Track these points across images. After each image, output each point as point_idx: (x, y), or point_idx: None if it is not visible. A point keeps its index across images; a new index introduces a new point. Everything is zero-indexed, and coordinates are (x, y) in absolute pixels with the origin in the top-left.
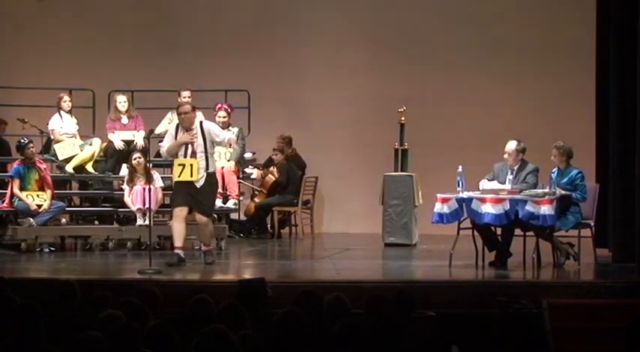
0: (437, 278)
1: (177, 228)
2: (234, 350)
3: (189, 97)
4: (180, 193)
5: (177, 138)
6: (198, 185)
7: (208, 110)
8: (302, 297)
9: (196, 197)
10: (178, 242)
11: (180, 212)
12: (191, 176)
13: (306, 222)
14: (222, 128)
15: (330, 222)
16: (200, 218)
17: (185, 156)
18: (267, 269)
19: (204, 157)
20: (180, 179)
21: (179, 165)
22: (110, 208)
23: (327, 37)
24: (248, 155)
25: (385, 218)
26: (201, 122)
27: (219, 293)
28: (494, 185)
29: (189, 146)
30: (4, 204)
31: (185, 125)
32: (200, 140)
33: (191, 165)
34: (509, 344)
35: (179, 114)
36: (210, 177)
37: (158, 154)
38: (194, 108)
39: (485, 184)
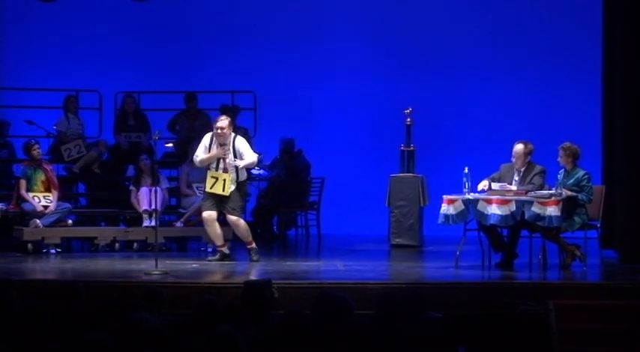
0: (443, 279)
1: (211, 230)
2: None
3: (226, 119)
4: (209, 198)
5: (211, 150)
6: (226, 193)
7: (215, 112)
8: (319, 298)
9: (224, 200)
10: (218, 242)
11: (209, 216)
12: (223, 190)
13: (313, 223)
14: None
15: (336, 223)
16: (229, 218)
17: (217, 169)
18: (273, 271)
19: (235, 171)
20: (212, 191)
21: (212, 177)
22: (116, 209)
23: (334, 38)
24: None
25: (391, 219)
26: (235, 138)
27: (225, 295)
28: (501, 186)
29: (222, 160)
30: (11, 206)
31: (220, 140)
32: (231, 156)
33: (224, 180)
34: (515, 345)
35: (216, 129)
36: (240, 185)
37: (164, 155)
38: (231, 125)
39: (485, 185)
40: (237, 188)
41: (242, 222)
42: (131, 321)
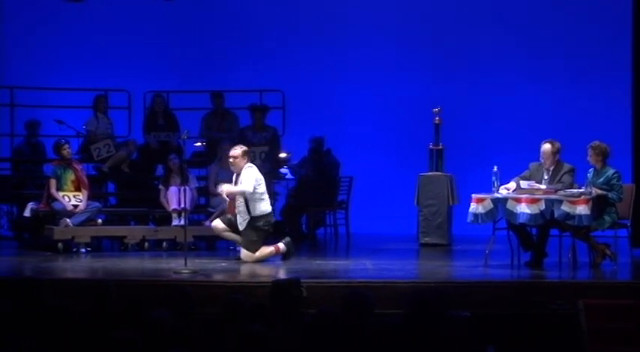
0: (472, 278)
1: (225, 237)
2: (271, 351)
3: (240, 148)
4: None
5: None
6: (240, 227)
7: (244, 111)
8: (349, 297)
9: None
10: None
11: (215, 227)
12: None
13: (341, 222)
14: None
15: (365, 222)
16: (242, 252)
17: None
18: (302, 270)
19: (242, 202)
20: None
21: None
22: (146, 209)
23: (362, 37)
24: (282, 155)
25: (420, 218)
26: (246, 168)
27: (253, 294)
28: (530, 185)
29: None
30: (42, 205)
31: (233, 169)
32: (238, 183)
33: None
34: (545, 344)
35: (229, 158)
36: (254, 221)
37: (193, 155)
38: (244, 154)
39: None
40: (250, 224)
41: (257, 256)
42: (150, 320)
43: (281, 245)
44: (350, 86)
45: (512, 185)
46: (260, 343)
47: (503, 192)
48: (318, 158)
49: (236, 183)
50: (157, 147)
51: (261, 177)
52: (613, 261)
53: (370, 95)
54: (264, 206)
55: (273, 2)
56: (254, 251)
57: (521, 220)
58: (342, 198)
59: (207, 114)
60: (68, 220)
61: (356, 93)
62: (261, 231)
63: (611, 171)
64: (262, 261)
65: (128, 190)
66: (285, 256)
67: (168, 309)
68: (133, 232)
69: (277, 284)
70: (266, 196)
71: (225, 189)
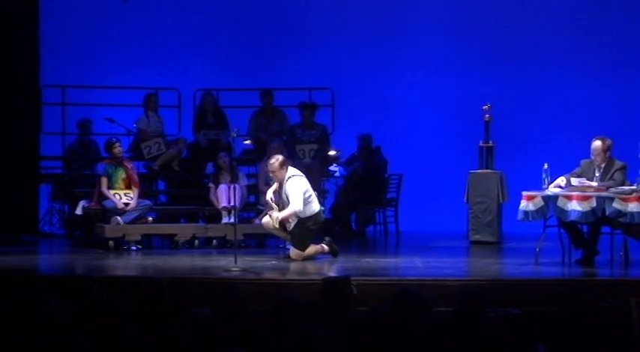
0: (523, 276)
1: (276, 234)
2: (323, 349)
3: (276, 160)
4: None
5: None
6: (289, 227)
7: (293, 109)
8: (400, 295)
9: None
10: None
11: (267, 224)
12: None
13: (391, 220)
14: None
15: (414, 219)
16: (291, 250)
17: (277, 204)
18: (352, 267)
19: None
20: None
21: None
22: (196, 206)
23: (411, 34)
24: (332, 153)
25: (470, 216)
26: (288, 178)
27: (304, 291)
28: (580, 182)
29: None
30: (93, 203)
31: (275, 180)
32: (284, 196)
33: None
34: (596, 343)
35: (269, 172)
36: (304, 221)
37: (243, 153)
38: (283, 164)
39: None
40: (299, 223)
41: (305, 254)
42: (200, 317)
43: (324, 245)
44: (399, 83)
45: (561, 180)
46: (314, 341)
47: (555, 190)
48: (368, 156)
49: (280, 188)
50: (206, 146)
51: (305, 183)
52: None
53: (420, 92)
54: (313, 206)
55: (323, 0)
56: (303, 249)
57: (573, 218)
58: (391, 196)
59: (256, 112)
60: (119, 218)
61: (405, 90)
62: (310, 230)
63: None
64: (310, 258)
65: (178, 188)
66: (333, 254)
67: (218, 307)
68: (183, 230)
69: (328, 281)
70: (313, 197)
71: (278, 216)
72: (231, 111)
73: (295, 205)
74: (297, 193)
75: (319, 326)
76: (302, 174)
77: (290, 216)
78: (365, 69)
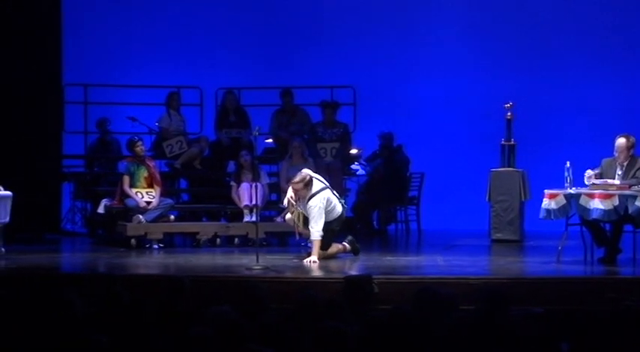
0: (545, 274)
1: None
2: (348, 347)
3: (301, 181)
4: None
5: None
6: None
7: (315, 107)
8: (421, 294)
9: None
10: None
11: (289, 221)
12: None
13: (412, 218)
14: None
15: (436, 218)
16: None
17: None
18: (374, 266)
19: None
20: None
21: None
22: (218, 205)
23: (433, 32)
24: (353, 151)
25: (492, 214)
26: (310, 198)
27: (325, 290)
28: (603, 181)
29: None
30: (115, 202)
31: (300, 197)
32: (305, 209)
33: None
34: (619, 341)
35: (294, 190)
36: (328, 224)
37: (264, 151)
38: (307, 186)
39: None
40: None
41: (327, 253)
42: (222, 316)
43: (346, 244)
44: (421, 82)
45: (590, 172)
46: (338, 339)
47: (591, 181)
48: (389, 154)
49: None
50: (228, 144)
51: (325, 196)
52: None
53: (441, 91)
54: (336, 210)
55: None
56: (325, 248)
57: (595, 216)
58: (413, 194)
59: (277, 111)
60: (141, 216)
61: (427, 88)
62: (332, 230)
63: None
64: (332, 257)
65: (200, 187)
66: (355, 252)
67: (239, 305)
68: (205, 228)
69: (350, 280)
70: (335, 202)
71: (314, 260)
72: (252, 110)
73: (318, 230)
74: (319, 216)
75: (344, 325)
76: (323, 184)
77: (317, 251)
78: (387, 67)
